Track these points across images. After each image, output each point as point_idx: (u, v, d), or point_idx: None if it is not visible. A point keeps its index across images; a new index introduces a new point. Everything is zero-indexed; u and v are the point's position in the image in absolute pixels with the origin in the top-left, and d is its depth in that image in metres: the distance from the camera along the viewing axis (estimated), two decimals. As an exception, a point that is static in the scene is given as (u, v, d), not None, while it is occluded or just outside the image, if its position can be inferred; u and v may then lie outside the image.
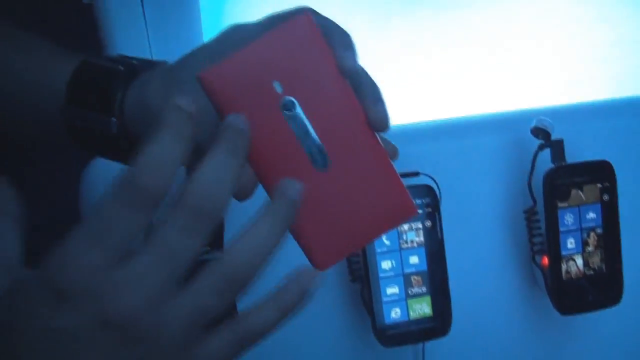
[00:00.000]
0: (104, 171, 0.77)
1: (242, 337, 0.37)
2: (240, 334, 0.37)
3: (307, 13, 0.38)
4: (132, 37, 0.80)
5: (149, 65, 0.52)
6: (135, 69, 0.51)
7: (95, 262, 0.32)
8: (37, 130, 0.56)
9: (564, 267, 0.78)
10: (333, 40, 0.39)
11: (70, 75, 0.50)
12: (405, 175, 0.75)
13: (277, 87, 0.38)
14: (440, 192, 0.75)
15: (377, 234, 0.41)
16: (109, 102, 0.49)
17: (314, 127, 0.39)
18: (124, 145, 0.50)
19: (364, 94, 0.39)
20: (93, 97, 0.49)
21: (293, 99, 0.38)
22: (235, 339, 0.36)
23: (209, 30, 0.84)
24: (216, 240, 0.75)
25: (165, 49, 0.81)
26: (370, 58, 0.48)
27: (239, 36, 0.44)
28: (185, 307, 0.34)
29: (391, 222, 0.40)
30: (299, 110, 0.38)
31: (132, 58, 0.53)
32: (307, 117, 0.38)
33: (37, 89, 0.52)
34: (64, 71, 0.51)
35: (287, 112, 0.38)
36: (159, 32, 0.81)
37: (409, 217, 0.41)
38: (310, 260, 0.40)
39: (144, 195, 0.32)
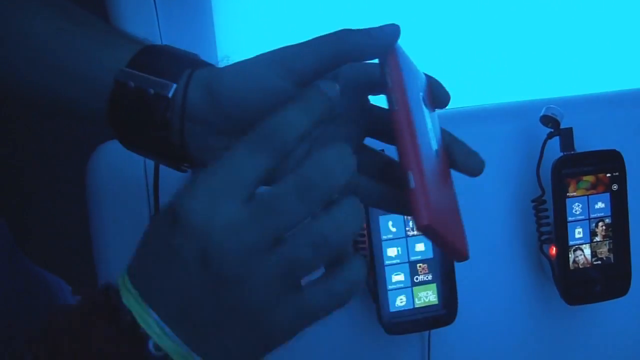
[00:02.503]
0: (109, 158, 0.77)
1: (338, 292, 0.40)
2: (336, 288, 0.39)
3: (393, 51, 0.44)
4: (142, 27, 0.80)
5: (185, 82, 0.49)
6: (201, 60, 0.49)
7: (213, 202, 0.37)
8: (82, 103, 0.53)
9: (571, 257, 0.78)
10: None
11: (136, 51, 0.48)
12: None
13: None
14: (447, 180, 0.75)
15: (451, 247, 0.45)
16: (173, 72, 0.47)
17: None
18: (169, 137, 0.47)
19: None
20: (158, 67, 0.47)
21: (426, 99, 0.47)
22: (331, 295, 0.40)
23: (221, 26, 0.83)
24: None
25: (175, 37, 0.81)
26: None
27: (294, 63, 0.44)
28: (282, 260, 0.37)
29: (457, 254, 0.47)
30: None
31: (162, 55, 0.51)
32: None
33: (94, 62, 0.49)
34: (128, 50, 0.48)
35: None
36: (170, 21, 0.81)
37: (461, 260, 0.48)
38: (421, 210, 0.39)
39: (272, 143, 0.38)
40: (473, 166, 0.51)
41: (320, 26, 0.47)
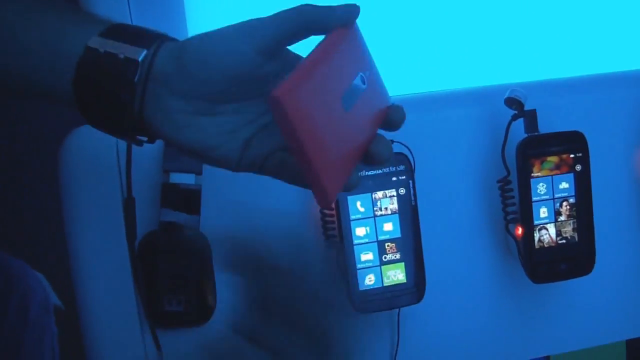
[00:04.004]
0: (82, 142, 0.78)
1: None
2: None
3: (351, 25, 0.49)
4: (113, 9, 0.81)
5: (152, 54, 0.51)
6: (143, 73, 0.50)
7: None
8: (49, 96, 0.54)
9: (536, 236, 0.79)
10: None
11: (107, 27, 0.50)
12: (380, 143, 0.76)
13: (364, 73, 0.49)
14: (414, 161, 0.76)
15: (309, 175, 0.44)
16: (144, 40, 0.49)
17: (361, 95, 0.48)
18: (131, 102, 0.48)
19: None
20: (128, 38, 0.49)
21: (366, 79, 0.49)
22: None
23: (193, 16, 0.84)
24: (194, 207, 0.77)
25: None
26: None
27: (256, 30, 0.47)
28: None
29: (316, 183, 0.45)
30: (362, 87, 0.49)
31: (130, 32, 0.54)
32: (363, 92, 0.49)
33: (63, 37, 0.50)
34: (95, 27, 0.50)
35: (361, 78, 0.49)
36: (141, 5, 0.82)
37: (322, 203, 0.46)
38: (320, 192, 0.43)
39: None
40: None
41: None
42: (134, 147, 0.74)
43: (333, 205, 0.75)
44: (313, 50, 0.45)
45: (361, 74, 0.49)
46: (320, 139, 0.43)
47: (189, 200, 0.75)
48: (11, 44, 0.50)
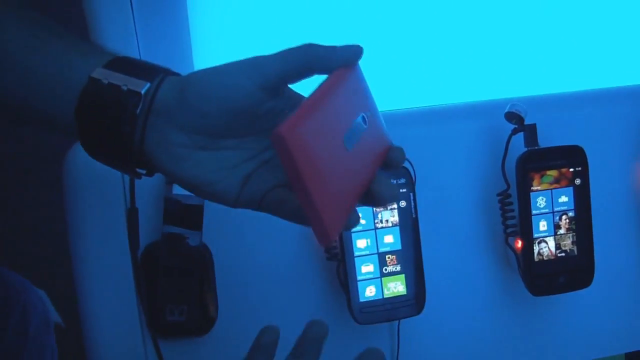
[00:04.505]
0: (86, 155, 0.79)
1: None
2: None
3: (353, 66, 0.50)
4: (121, 41, 0.82)
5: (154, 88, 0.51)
6: (144, 105, 0.50)
7: None
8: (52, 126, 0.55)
9: (536, 249, 0.80)
10: None
11: (112, 59, 0.50)
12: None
13: (365, 113, 0.50)
14: (415, 174, 0.77)
15: (311, 216, 0.45)
16: (147, 73, 0.49)
17: (362, 135, 0.49)
18: (132, 134, 0.49)
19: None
20: (132, 70, 0.49)
21: (367, 120, 0.50)
22: None
23: (197, 30, 0.85)
24: (196, 223, 0.77)
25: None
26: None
27: (260, 67, 0.48)
28: None
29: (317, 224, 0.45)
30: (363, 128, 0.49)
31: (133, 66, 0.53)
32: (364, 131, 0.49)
33: (66, 66, 0.50)
34: (100, 59, 0.50)
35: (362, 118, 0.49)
36: (148, 37, 0.83)
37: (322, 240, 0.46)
38: (321, 230, 0.44)
39: None
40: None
41: (294, 38, 0.50)
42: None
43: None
44: (315, 90, 0.46)
45: (362, 114, 0.49)
46: (323, 177, 0.43)
47: (192, 215, 0.76)
48: (15, 70, 0.51)
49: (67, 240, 0.78)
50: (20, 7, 0.54)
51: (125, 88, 0.48)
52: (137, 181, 0.76)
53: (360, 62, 0.51)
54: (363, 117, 0.49)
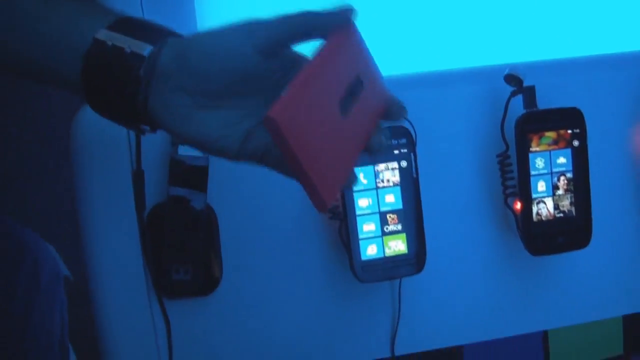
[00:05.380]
0: (94, 117, 0.80)
1: None
2: None
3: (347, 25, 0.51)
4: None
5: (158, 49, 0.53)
6: (148, 66, 0.51)
7: None
8: (57, 69, 0.57)
9: (534, 209, 0.81)
10: None
11: (116, 19, 0.52)
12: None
13: (360, 74, 0.51)
14: (416, 135, 0.79)
15: (306, 183, 0.47)
16: (150, 35, 0.51)
17: (359, 98, 0.50)
18: (136, 94, 0.50)
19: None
20: (136, 32, 0.51)
21: (363, 83, 0.51)
22: None
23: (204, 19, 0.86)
24: (201, 184, 0.79)
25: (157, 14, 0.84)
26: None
27: (257, 30, 0.50)
28: None
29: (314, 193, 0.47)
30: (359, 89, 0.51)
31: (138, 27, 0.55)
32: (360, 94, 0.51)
33: (73, 27, 0.53)
34: (103, 20, 0.52)
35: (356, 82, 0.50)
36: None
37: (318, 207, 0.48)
38: (317, 199, 0.46)
39: None
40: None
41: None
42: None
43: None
44: (310, 59, 0.48)
45: (359, 74, 0.51)
46: (317, 153, 0.46)
47: (196, 176, 0.77)
48: (26, 31, 0.53)
49: (74, 201, 0.80)
50: None
51: (128, 50, 0.50)
52: (143, 143, 0.77)
53: (361, 27, 0.53)
54: (359, 78, 0.51)
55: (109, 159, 0.79)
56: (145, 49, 0.50)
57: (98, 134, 0.79)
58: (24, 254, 0.79)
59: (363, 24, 0.53)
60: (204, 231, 0.78)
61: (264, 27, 0.49)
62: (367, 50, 0.53)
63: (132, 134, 0.78)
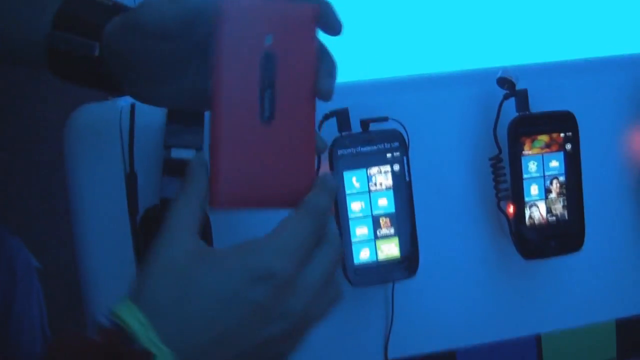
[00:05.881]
0: (87, 117, 0.81)
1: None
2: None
3: (315, 4, 0.47)
4: None
5: (127, 7, 0.57)
6: (120, 6, 0.55)
7: (299, 262, 0.48)
8: (20, 57, 0.59)
9: (527, 213, 0.82)
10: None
11: (59, 6, 0.55)
12: (374, 120, 0.78)
13: (268, 39, 0.45)
14: (408, 138, 0.79)
15: (272, 206, 0.49)
16: (93, 29, 0.54)
17: (277, 84, 0.46)
18: (104, 72, 0.55)
19: (321, 67, 0.48)
20: (79, 24, 0.54)
21: (275, 54, 0.46)
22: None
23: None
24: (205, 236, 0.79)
25: None
26: (347, 12, 0.51)
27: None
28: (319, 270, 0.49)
29: (287, 203, 0.48)
30: (274, 63, 0.46)
31: None
32: (277, 73, 0.46)
33: (23, 21, 0.56)
34: (51, 6, 0.55)
35: (265, 61, 0.45)
36: None
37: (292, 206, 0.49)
38: (210, 193, 0.47)
39: (319, 219, 0.48)
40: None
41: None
42: (137, 124, 0.77)
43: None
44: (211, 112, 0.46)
45: (267, 49, 0.46)
46: (241, 176, 0.47)
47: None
48: None
49: (67, 204, 0.80)
50: None
51: (80, 53, 0.54)
52: (136, 146, 0.77)
53: (352, 31, 0.51)
54: (269, 55, 0.46)
55: (102, 161, 0.79)
56: (95, 49, 0.54)
57: (91, 136, 0.79)
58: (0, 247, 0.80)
59: (353, 27, 0.53)
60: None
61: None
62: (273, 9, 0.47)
63: (125, 136, 0.78)
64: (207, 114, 0.75)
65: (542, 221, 0.82)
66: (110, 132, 0.79)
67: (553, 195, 0.82)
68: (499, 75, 0.81)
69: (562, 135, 0.82)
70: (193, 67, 0.53)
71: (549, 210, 0.82)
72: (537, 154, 0.81)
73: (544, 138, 0.81)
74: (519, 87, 0.81)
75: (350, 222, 0.78)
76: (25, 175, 1.69)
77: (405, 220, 0.79)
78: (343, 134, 0.77)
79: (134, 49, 0.51)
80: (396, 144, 0.78)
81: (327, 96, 0.48)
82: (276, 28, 0.46)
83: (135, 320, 0.44)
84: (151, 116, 0.78)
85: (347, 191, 0.77)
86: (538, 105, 0.82)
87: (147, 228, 0.78)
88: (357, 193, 0.78)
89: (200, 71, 0.53)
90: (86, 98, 0.79)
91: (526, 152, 0.81)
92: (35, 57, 0.56)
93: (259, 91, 0.46)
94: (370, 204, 0.78)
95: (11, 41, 0.58)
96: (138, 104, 0.79)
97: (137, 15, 0.50)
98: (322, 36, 0.49)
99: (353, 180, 0.77)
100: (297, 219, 0.48)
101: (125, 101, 0.81)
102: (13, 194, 1.69)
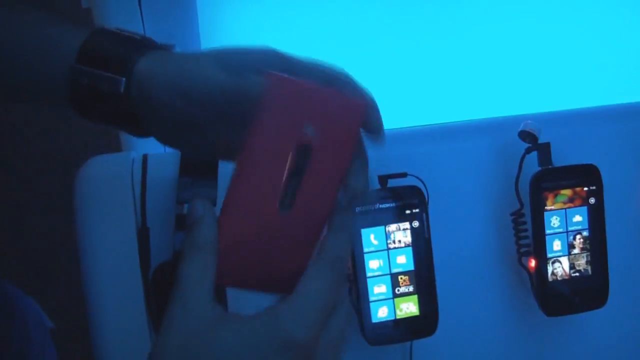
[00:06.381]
0: (98, 170, 0.79)
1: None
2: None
3: (363, 102, 0.45)
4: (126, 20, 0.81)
5: (157, 44, 0.53)
6: (149, 42, 0.52)
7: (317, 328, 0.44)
8: (41, 94, 0.56)
9: (550, 269, 0.79)
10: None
11: (85, 39, 0.51)
12: (393, 176, 0.76)
13: (308, 128, 0.44)
14: (428, 193, 0.77)
15: (269, 291, 0.46)
16: (120, 64, 0.49)
17: (305, 175, 0.44)
18: (127, 112, 0.51)
19: (356, 163, 0.46)
20: (105, 58, 0.50)
21: (312, 145, 0.44)
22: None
23: (206, 35, 0.85)
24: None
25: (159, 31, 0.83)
26: (363, 62, 0.50)
27: (260, 60, 0.47)
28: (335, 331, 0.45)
29: (282, 289, 0.45)
30: (309, 154, 0.44)
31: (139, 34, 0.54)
32: (309, 164, 0.44)
33: (47, 52, 0.52)
34: (76, 36, 0.51)
35: (300, 150, 0.44)
36: (157, 36, 0.82)
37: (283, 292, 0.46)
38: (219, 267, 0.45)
39: (339, 274, 0.45)
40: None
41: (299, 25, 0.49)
42: (149, 176, 0.75)
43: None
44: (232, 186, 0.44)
45: (305, 137, 0.44)
46: (248, 263, 0.45)
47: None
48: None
49: (77, 257, 0.78)
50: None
51: (105, 88, 0.49)
52: (148, 200, 0.76)
53: (368, 81, 0.48)
54: (305, 145, 0.44)
55: (113, 215, 0.77)
56: (120, 85, 0.49)
57: (102, 190, 0.78)
58: (12, 309, 0.78)
59: (370, 76, 0.51)
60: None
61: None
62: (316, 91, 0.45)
63: (137, 190, 0.77)
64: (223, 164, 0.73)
65: (565, 277, 0.80)
66: (122, 184, 0.78)
67: (576, 250, 0.80)
68: (520, 128, 0.79)
69: (585, 189, 0.80)
70: (227, 127, 0.51)
71: (572, 266, 0.80)
72: (560, 208, 0.79)
73: (567, 192, 0.79)
74: (540, 138, 0.79)
75: (369, 281, 0.76)
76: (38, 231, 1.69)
77: (424, 277, 0.77)
78: (361, 190, 0.75)
79: (171, 105, 0.48)
80: (415, 200, 0.76)
81: (360, 195, 0.46)
82: (319, 118, 0.44)
83: None
84: (164, 168, 0.76)
85: (365, 249, 0.75)
86: (560, 154, 0.80)
87: (159, 283, 0.76)
88: (376, 251, 0.76)
89: (230, 130, 0.51)
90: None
91: (549, 207, 0.79)
92: (57, 94, 0.52)
93: (284, 179, 0.44)
94: (389, 261, 0.76)
95: (32, 76, 0.54)
96: (150, 155, 0.78)
97: (189, 82, 0.47)
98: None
99: (371, 237, 0.75)
100: (317, 276, 0.45)
101: (137, 153, 0.79)
102: (27, 250, 1.68)
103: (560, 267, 0.80)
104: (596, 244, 0.80)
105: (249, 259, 0.45)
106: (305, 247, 0.46)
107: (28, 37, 0.52)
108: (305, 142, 0.44)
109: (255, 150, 0.43)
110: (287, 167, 0.44)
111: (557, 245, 0.80)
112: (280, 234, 0.45)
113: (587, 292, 0.81)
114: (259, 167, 0.44)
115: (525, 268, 0.80)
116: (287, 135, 0.44)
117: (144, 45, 0.51)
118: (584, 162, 0.80)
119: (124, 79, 0.49)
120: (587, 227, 0.80)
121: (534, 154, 0.79)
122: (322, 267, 0.45)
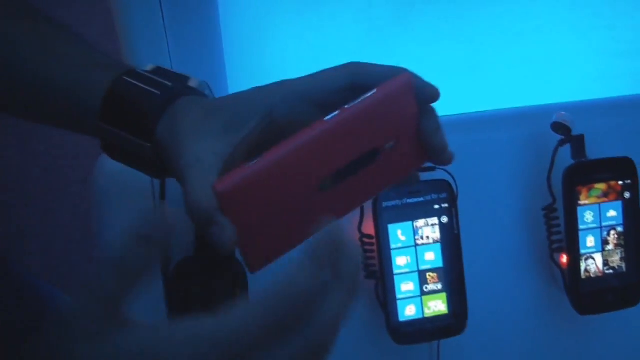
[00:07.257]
0: (115, 165, 0.77)
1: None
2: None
3: (406, 77, 0.45)
4: (151, 44, 0.79)
5: (183, 87, 0.52)
6: (171, 92, 0.50)
7: None
8: (73, 129, 0.56)
9: (583, 265, 0.77)
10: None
11: (106, 92, 0.50)
12: (422, 170, 0.73)
13: (388, 143, 0.45)
14: (457, 188, 0.74)
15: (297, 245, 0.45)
16: (143, 126, 0.49)
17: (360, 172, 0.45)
18: (156, 162, 0.50)
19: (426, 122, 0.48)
20: (127, 120, 0.49)
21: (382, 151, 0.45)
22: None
23: (229, 39, 0.83)
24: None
25: (184, 55, 0.80)
26: (391, 52, 0.48)
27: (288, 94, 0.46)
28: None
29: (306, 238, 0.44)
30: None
31: (166, 73, 0.53)
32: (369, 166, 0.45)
33: (73, 98, 0.52)
34: (100, 83, 0.50)
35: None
36: (179, 38, 0.80)
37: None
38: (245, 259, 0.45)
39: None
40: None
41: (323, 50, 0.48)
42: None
43: (373, 234, 0.73)
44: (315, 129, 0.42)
45: (382, 143, 0.45)
46: (261, 228, 0.43)
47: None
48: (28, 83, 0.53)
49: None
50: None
51: (132, 148, 0.50)
52: (167, 195, 0.74)
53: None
54: (378, 149, 0.44)
55: (132, 208, 0.75)
56: (146, 150, 0.49)
57: (120, 187, 0.76)
58: (44, 306, 0.76)
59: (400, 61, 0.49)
60: (231, 286, 0.74)
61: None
62: (415, 113, 0.47)
63: (157, 186, 0.75)
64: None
65: (599, 274, 0.77)
66: (141, 176, 0.75)
67: (610, 246, 0.77)
68: (553, 119, 0.75)
69: (620, 183, 0.77)
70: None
71: (605, 263, 0.77)
72: (594, 203, 0.76)
73: (601, 186, 0.76)
74: (574, 130, 0.76)
75: (396, 278, 0.73)
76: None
77: (453, 274, 0.74)
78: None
79: None
80: (444, 195, 0.73)
81: (442, 154, 0.49)
82: (403, 134, 0.46)
83: None
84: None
85: (392, 245, 0.73)
86: (593, 146, 0.77)
87: (179, 279, 0.74)
88: (403, 247, 0.73)
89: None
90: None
91: (582, 201, 0.76)
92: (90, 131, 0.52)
93: (340, 165, 0.44)
94: (417, 258, 0.74)
95: (64, 118, 0.54)
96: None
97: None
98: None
99: (398, 233, 0.73)
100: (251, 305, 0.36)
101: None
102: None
103: (594, 264, 0.77)
104: (631, 240, 0.78)
105: (274, 235, 0.44)
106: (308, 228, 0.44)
107: (58, 71, 0.52)
108: (379, 149, 0.45)
109: (335, 128, 0.42)
110: (345, 162, 0.44)
111: (590, 241, 0.77)
112: (303, 207, 0.44)
113: (621, 289, 0.78)
114: (323, 143, 0.42)
115: (558, 265, 0.78)
116: (370, 136, 0.44)
117: (167, 96, 0.50)
118: (619, 154, 0.77)
119: (149, 145, 0.48)
120: (621, 222, 0.77)
121: (567, 146, 0.76)
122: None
